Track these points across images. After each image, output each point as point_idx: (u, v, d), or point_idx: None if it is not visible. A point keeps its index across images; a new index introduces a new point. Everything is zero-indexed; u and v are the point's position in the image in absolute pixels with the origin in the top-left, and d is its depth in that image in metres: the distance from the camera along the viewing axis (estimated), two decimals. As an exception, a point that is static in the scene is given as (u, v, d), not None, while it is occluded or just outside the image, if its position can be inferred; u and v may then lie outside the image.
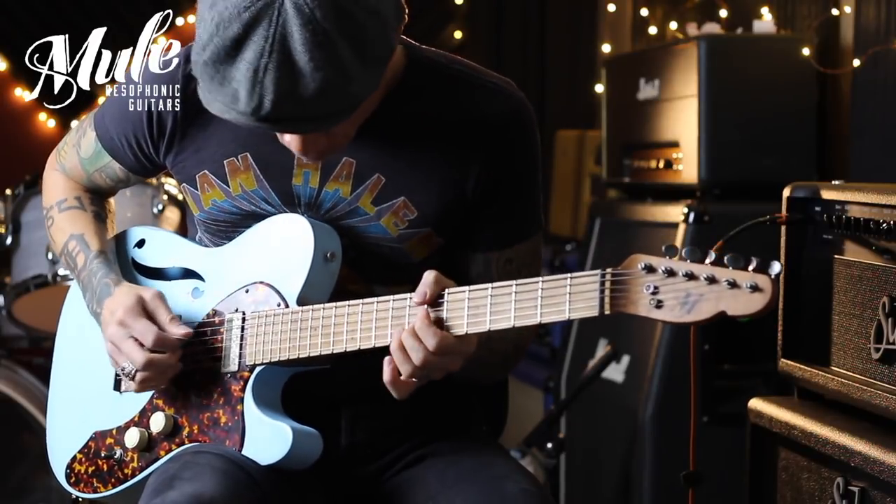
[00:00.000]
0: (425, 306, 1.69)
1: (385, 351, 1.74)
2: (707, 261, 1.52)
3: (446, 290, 1.70)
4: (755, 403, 2.31)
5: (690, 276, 1.52)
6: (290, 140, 1.76)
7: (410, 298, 1.72)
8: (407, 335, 1.69)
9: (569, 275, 1.61)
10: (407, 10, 1.75)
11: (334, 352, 1.78)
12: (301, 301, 1.83)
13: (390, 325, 1.73)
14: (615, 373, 3.38)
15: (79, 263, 2.02)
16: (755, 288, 1.48)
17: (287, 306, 1.84)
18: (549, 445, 3.23)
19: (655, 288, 1.54)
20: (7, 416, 3.57)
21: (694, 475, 2.28)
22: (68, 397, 2.06)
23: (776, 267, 1.49)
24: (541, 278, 1.63)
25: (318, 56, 1.61)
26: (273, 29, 1.62)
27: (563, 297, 1.61)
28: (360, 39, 1.64)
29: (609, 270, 1.58)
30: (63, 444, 2.03)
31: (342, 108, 1.67)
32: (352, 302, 1.78)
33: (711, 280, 1.50)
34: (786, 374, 2.28)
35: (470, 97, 1.87)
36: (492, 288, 1.67)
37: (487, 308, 1.66)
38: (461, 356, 1.71)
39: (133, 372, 1.88)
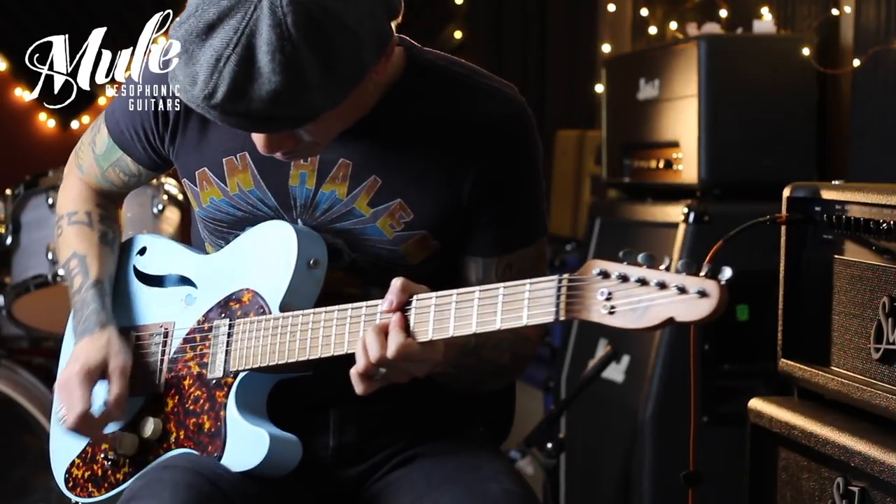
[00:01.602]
0: (399, 313, 1.69)
1: (352, 361, 1.74)
2: (661, 266, 1.50)
3: (414, 297, 1.70)
4: (755, 403, 2.31)
5: (642, 282, 1.50)
6: (256, 137, 1.77)
7: (382, 304, 1.72)
8: (370, 331, 1.69)
9: (528, 280, 1.60)
10: (392, 37, 1.74)
11: (310, 358, 1.79)
12: (284, 307, 1.84)
13: (362, 331, 1.73)
14: (615, 373, 3.38)
15: (75, 285, 2.03)
16: (703, 293, 1.47)
17: (270, 313, 1.84)
18: (549, 445, 3.23)
19: (609, 294, 1.52)
20: (7, 416, 3.57)
21: (694, 475, 2.27)
22: None
23: (727, 272, 1.48)
24: (502, 284, 1.63)
25: (280, 60, 1.62)
26: (245, 23, 1.63)
27: (522, 304, 1.60)
28: (327, 53, 1.64)
29: (566, 276, 1.57)
30: (64, 449, 2.04)
31: (293, 116, 1.67)
32: (328, 308, 1.78)
33: (662, 285, 1.49)
34: (786, 374, 2.28)
35: (469, 100, 1.87)
36: (457, 294, 1.66)
37: (451, 314, 1.65)
38: (426, 363, 1.70)
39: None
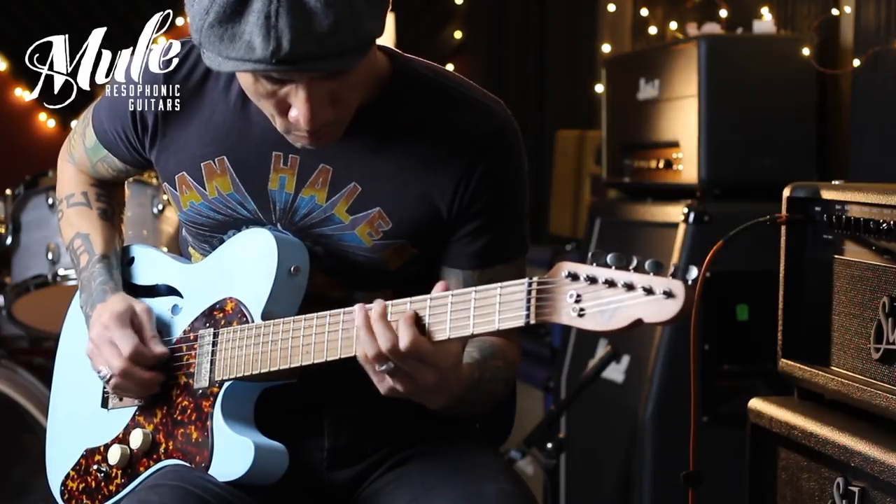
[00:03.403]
0: (413, 313, 1.67)
1: (345, 362, 1.74)
2: (630, 266, 1.49)
3: (389, 303, 1.69)
4: (755, 403, 2.31)
5: (610, 284, 1.50)
6: (299, 112, 1.73)
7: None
8: (378, 320, 1.66)
9: (499, 284, 1.60)
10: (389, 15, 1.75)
11: (292, 366, 1.78)
12: (266, 315, 1.84)
13: (340, 339, 1.73)
14: (615, 373, 3.38)
15: (81, 263, 2.04)
16: (669, 294, 1.46)
17: (252, 321, 1.84)
18: (549, 445, 3.23)
19: (578, 296, 1.52)
20: (7, 416, 3.57)
21: (694, 475, 2.27)
22: (65, 416, 2.08)
23: (693, 272, 1.47)
24: (474, 288, 1.62)
25: None
26: None
27: (494, 308, 1.59)
28: None
29: (535, 279, 1.57)
30: (59, 461, 2.04)
31: (356, 44, 1.67)
32: (308, 315, 1.78)
33: (629, 287, 1.48)
34: (786, 374, 2.28)
35: (453, 113, 1.85)
36: (430, 299, 1.66)
37: (426, 320, 1.65)
38: (432, 370, 1.67)
39: (109, 376, 1.91)
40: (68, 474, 2.01)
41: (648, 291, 1.47)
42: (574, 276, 1.53)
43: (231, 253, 1.93)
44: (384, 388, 1.71)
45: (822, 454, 2.10)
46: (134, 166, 2.05)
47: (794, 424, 2.18)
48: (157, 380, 1.91)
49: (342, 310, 1.74)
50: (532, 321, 1.56)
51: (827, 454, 2.08)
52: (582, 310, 1.52)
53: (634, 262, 1.49)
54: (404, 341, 1.65)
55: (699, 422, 2.95)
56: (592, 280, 1.51)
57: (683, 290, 1.46)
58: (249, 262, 1.87)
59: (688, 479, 2.28)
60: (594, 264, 1.52)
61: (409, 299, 1.68)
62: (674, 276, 1.47)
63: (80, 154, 2.10)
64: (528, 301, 1.56)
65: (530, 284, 1.57)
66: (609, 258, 1.51)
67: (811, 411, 2.19)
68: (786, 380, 2.30)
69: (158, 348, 1.90)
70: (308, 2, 1.63)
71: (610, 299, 1.50)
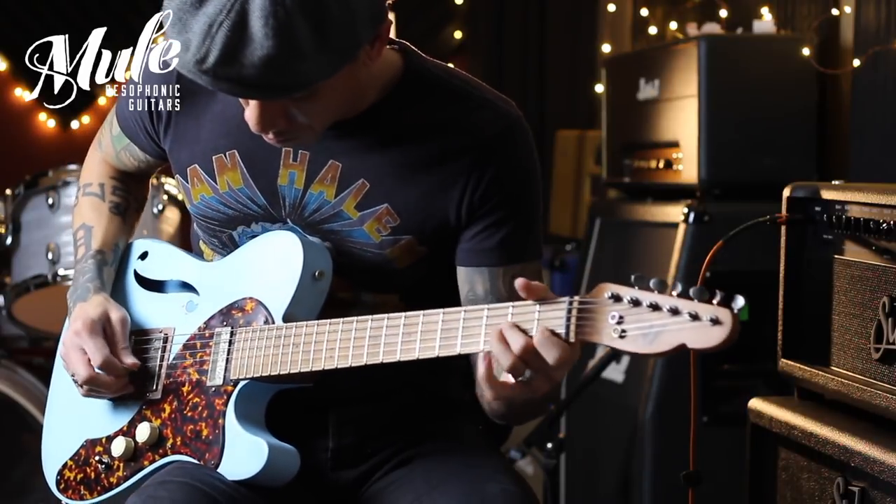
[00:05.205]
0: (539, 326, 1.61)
1: (366, 368, 1.74)
2: (674, 292, 1.50)
3: (421, 313, 1.69)
4: (755, 403, 2.31)
5: (654, 307, 1.50)
6: (248, 114, 1.75)
7: (388, 319, 1.71)
8: (508, 327, 1.62)
9: (538, 301, 1.59)
10: (390, 15, 1.74)
11: (313, 370, 1.78)
12: (287, 318, 1.83)
13: (367, 346, 1.73)
14: (615, 373, 3.38)
15: (78, 254, 2.07)
16: (716, 321, 1.47)
17: (273, 322, 1.84)
18: (549, 445, 3.23)
19: (621, 318, 1.52)
20: (7, 416, 3.57)
21: (694, 475, 2.27)
22: (64, 406, 2.07)
23: (739, 301, 1.48)
24: (511, 304, 1.62)
25: (273, 26, 1.61)
26: None
27: (532, 325, 1.59)
28: (322, 22, 1.63)
29: (577, 298, 1.57)
30: (56, 450, 2.03)
31: (285, 84, 1.66)
32: (333, 321, 1.77)
33: (674, 311, 1.49)
34: (786, 374, 2.28)
35: (464, 113, 1.85)
36: (464, 311, 1.66)
37: (459, 332, 1.65)
38: (569, 365, 1.63)
39: (76, 381, 1.94)
40: (66, 464, 2.00)
41: (694, 317, 1.48)
42: (617, 298, 1.53)
43: (253, 253, 1.92)
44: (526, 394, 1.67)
45: (822, 454, 2.10)
46: (154, 157, 2.06)
47: (794, 424, 2.18)
48: (126, 387, 1.93)
49: (369, 317, 1.74)
50: (571, 339, 1.56)
51: (827, 454, 2.08)
52: (624, 331, 1.52)
53: (679, 288, 1.50)
54: (553, 356, 1.60)
55: (699, 422, 2.96)
56: (636, 303, 1.51)
57: (731, 319, 1.47)
58: (273, 264, 1.87)
59: (688, 479, 2.28)
60: (637, 287, 1.52)
61: (441, 311, 1.67)
62: (719, 303, 1.47)
63: (107, 142, 2.12)
64: (569, 320, 1.56)
65: (571, 303, 1.57)
66: (652, 283, 1.51)
67: (811, 411, 2.19)
68: (786, 380, 2.30)
69: (129, 359, 1.92)
70: (252, 27, 1.62)
71: (653, 323, 1.50)
